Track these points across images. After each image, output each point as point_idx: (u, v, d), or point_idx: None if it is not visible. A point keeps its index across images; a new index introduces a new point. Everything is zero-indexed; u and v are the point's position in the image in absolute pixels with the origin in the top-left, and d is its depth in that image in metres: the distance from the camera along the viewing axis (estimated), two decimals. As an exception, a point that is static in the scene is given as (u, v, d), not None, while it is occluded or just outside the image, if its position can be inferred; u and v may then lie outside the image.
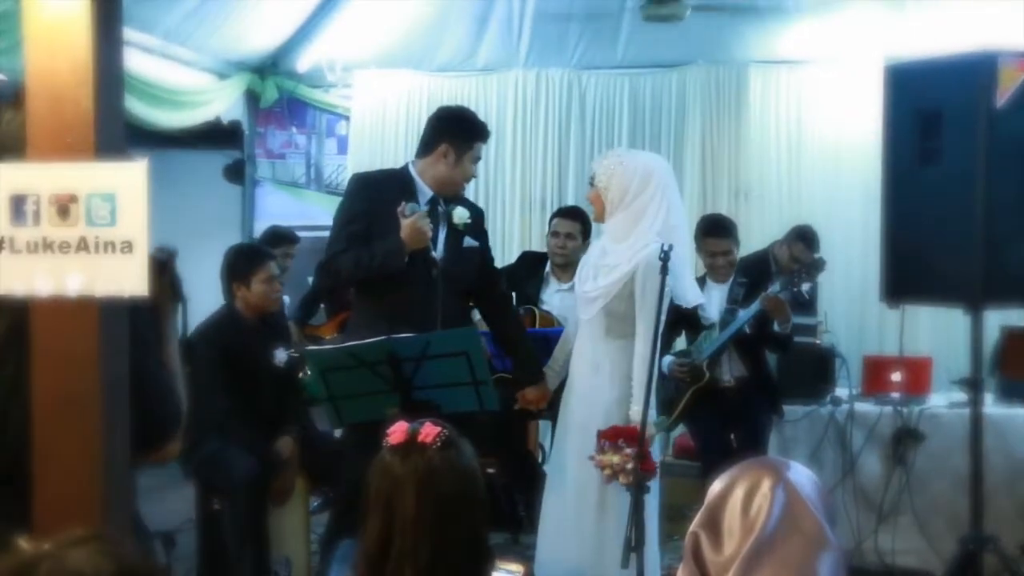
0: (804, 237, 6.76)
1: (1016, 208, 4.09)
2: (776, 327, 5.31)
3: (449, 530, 2.16)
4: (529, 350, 4.53)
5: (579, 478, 4.12)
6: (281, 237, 6.84)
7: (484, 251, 4.47)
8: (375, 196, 4.21)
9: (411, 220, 4.05)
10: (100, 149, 1.86)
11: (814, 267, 5.45)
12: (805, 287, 5.53)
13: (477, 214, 4.44)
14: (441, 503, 2.16)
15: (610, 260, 4.19)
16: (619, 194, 4.13)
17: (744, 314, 5.35)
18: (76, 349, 1.87)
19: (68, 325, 1.87)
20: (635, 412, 4.00)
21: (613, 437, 3.88)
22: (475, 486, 2.24)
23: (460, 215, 4.26)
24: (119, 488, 1.94)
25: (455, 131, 4.27)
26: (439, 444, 2.21)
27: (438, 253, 4.21)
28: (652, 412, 4.01)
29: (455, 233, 4.27)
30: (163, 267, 2.23)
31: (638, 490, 3.68)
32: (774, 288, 5.26)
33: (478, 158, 4.33)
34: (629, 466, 3.80)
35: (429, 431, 2.23)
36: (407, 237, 4.04)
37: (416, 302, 4.10)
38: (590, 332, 4.21)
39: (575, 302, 4.43)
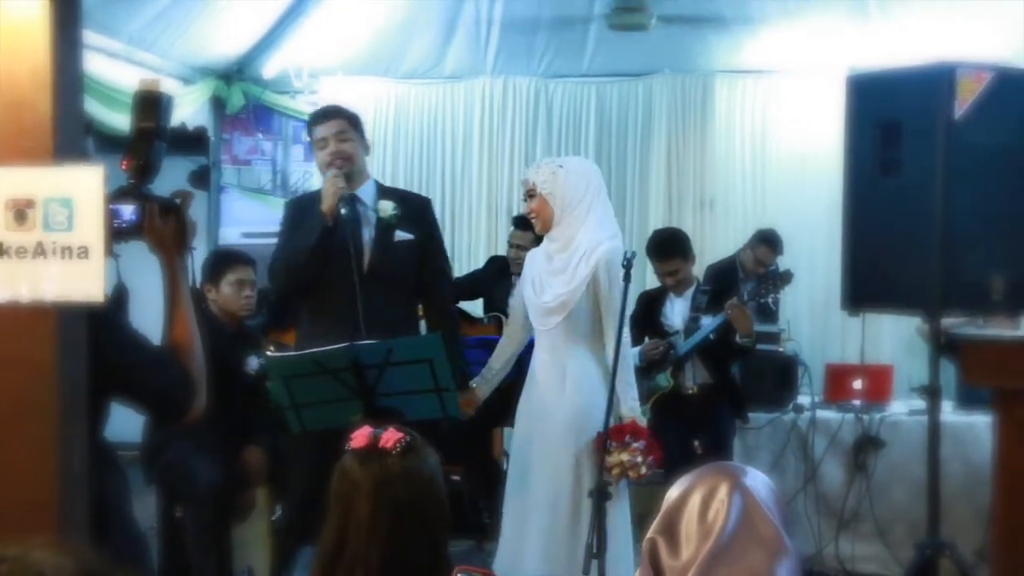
0: (767, 240, 6.81)
1: (974, 217, 4.14)
2: (738, 339, 5.32)
3: (403, 537, 2.14)
4: (457, 356, 4.39)
5: (548, 488, 4.12)
6: None
7: (424, 242, 4.33)
8: (303, 215, 4.25)
9: (325, 179, 4.13)
10: (59, 154, 1.86)
11: (782, 279, 5.45)
12: (772, 298, 5.56)
13: (415, 204, 4.38)
14: (396, 510, 2.15)
15: (558, 265, 4.18)
16: (567, 199, 4.12)
17: (709, 323, 5.36)
18: (33, 355, 1.86)
19: (25, 331, 1.86)
20: (631, 409, 4.04)
21: (619, 436, 3.89)
22: (433, 495, 2.22)
23: (385, 208, 4.20)
24: (76, 495, 1.93)
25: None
26: (399, 450, 2.20)
27: (366, 250, 4.18)
28: (637, 405, 4.09)
29: (384, 228, 4.21)
30: (171, 210, 2.27)
31: (599, 496, 3.69)
32: (740, 297, 5.28)
33: (320, 138, 4.25)
34: (639, 459, 3.83)
35: (390, 437, 2.22)
36: (323, 196, 4.10)
37: (340, 306, 4.09)
38: (551, 342, 4.20)
39: (521, 311, 4.38)
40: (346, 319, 4.02)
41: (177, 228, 2.28)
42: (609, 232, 4.18)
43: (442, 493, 2.25)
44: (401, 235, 4.23)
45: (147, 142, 2.23)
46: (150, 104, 2.23)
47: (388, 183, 7.89)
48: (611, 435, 3.89)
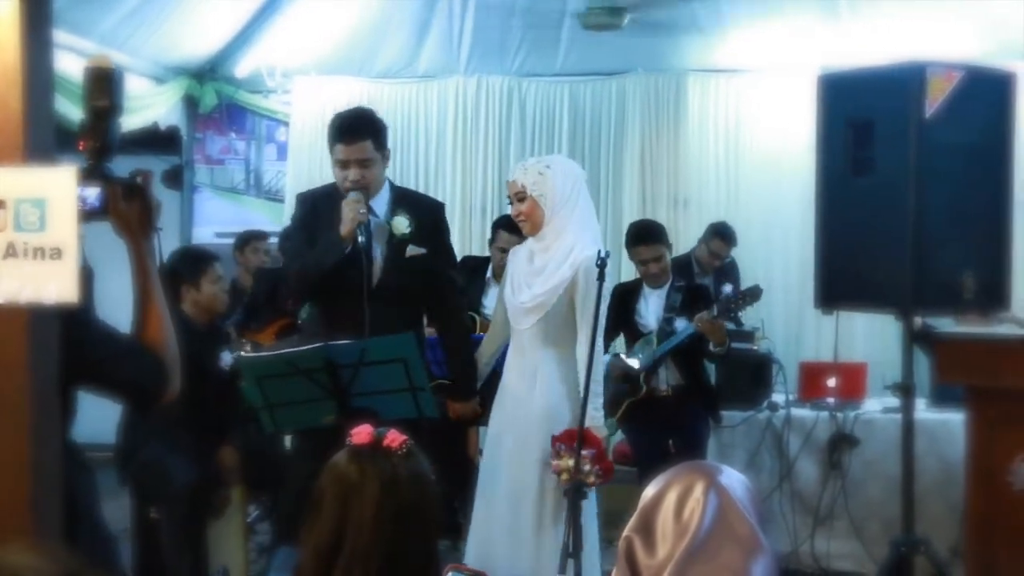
0: (720, 232, 6.85)
1: (946, 216, 4.17)
2: (712, 348, 5.33)
3: (404, 537, 2.14)
4: (467, 366, 4.45)
5: (515, 487, 4.11)
6: (251, 235, 7.23)
7: (436, 252, 4.26)
8: (316, 213, 4.21)
9: (346, 201, 4.04)
10: (30, 154, 1.84)
11: (751, 295, 5.43)
12: (742, 313, 5.57)
13: (428, 212, 4.31)
14: (400, 510, 2.14)
15: (538, 265, 4.16)
16: (556, 200, 4.08)
17: (681, 331, 5.36)
18: (4, 354, 1.84)
19: (-4, 331, 1.84)
20: (591, 419, 3.98)
21: (569, 440, 3.87)
22: (433, 496, 2.22)
23: (399, 225, 4.16)
24: (49, 495, 1.91)
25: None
26: (404, 451, 2.20)
27: (376, 265, 4.15)
28: (600, 415, 4.04)
29: (396, 244, 4.17)
30: (135, 192, 2.22)
31: (575, 495, 3.68)
32: (711, 312, 5.24)
33: (340, 159, 4.15)
34: (587, 467, 3.80)
35: (395, 437, 2.21)
36: (343, 220, 4.01)
37: (347, 315, 4.07)
38: (526, 342, 4.18)
39: (503, 308, 4.35)
40: (352, 328, 4.00)
41: (142, 209, 2.22)
42: (592, 233, 4.17)
43: (437, 495, 2.25)
44: (413, 250, 4.18)
45: (103, 121, 2.16)
46: (102, 81, 2.15)
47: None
48: (561, 439, 3.89)
